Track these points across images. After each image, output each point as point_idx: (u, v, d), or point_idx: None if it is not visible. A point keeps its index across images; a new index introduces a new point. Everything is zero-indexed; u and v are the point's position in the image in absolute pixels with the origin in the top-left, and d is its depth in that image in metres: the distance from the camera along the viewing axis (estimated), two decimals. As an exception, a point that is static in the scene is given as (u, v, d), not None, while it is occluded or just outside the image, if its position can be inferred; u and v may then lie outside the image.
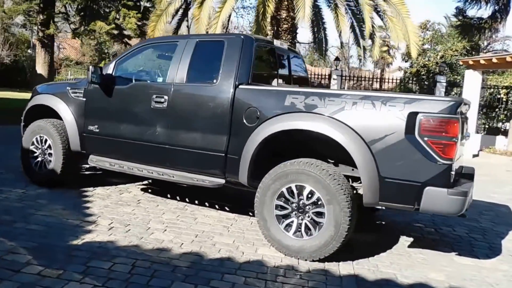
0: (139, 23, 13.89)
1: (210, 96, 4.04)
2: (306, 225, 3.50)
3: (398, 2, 11.57)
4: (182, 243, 3.65)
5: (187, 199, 5.04)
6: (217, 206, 4.85)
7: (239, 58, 3.97)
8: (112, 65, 4.79)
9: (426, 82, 20.20)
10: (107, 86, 4.66)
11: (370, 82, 20.65)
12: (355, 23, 13.70)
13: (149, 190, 5.39)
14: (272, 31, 12.88)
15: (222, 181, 4.02)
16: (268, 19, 10.98)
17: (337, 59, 18.66)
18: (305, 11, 10.22)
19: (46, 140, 5.05)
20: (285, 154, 3.73)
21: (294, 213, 3.55)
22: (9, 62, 24.55)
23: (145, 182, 5.72)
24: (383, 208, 4.26)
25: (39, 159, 5.11)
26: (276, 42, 4.67)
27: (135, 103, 4.48)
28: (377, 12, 12.43)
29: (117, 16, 13.81)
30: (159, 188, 5.49)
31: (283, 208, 3.58)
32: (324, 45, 16.42)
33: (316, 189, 3.41)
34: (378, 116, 3.28)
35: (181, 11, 13.51)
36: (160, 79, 4.56)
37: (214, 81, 4.05)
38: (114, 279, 2.86)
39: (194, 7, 11.87)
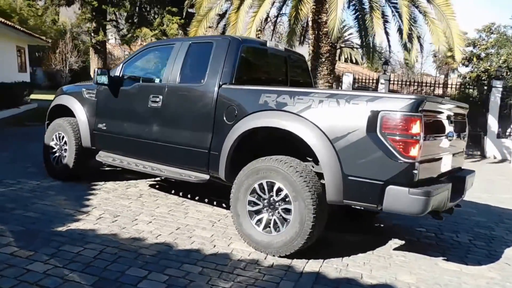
0: (182, 29, 14.45)
1: (198, 96, 4.18)
2: (275, 221, 3.52)
3: (443, 3, 11.02)
4: (160, 235, 3.80)
5: (189, 195, 5.20)
6: (215, 203, 4.96)
7: (224, 59, 4.08)
8: (119, 67, 5.10)
9: (486, 87, 19.02)
10: (113, 87, 4.96)
11: (432, 87, 19.69)
12: (402, 26, 13.29)
13: (156, 186, 5.63)
14: (314, 35, 12.82)
15: (207, 176, 4.14)
16: (302, 23, 10.95)
17: (386, 63, 18.06)
18: (337, 14, 10.08)
19: (63, 137, 5.46)
20: (267, 152, 3.75)
21: (265, 209, 3.58)
22: (77, 68, 26.30)
23: (157, 178, 5.97)
24: (381, 210, 4.19)
25: (57, 154, 5.53)
26: (270, 44, 4.71)
27: (136, 102, 4.74)
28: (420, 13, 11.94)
29: (162, 22, 14.47)
30: (166, 184, 5.73)
31: (255, 204, 3.62)
32: (371, 49, 16.07)
33: (284, 186, 3.42)
34: (342, 114, 3.24)
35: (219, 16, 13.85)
36: (157, 80, 4.77)
37: (202, 81, 4.19)
38: (76, 262, 3.07)
39: (230, 12, 12.11)
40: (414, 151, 2.97)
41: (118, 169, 6.36)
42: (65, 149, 5.44)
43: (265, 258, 3.46)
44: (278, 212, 3.50)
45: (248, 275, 3.09)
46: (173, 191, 5.36)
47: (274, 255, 3.49)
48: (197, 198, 5.11)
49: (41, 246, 3.28)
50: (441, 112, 3.51)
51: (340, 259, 3.58)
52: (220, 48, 4.17)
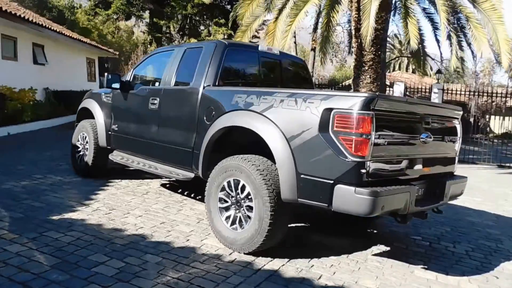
0: (228, 38, 14.92)
1: (185, 97, 4.40)
2: (240, 218, 3.60)
3: (489, 8, 10.37)
4: (142, 227, 4.02)
5: (192, 195, 5.42)
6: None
7: (210, 62, 4.26)
8: (130, 72, 5.49)
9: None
10: (124, 90, 5.35)
11: (503, 97, 18.25)
12: (451, 33, 12.73)
13: (167, 185, 5.92)
14: (356, 43, 12.64)
15: (192, 174, 4.32)
16: (333, 30, 10.86)
17: (439, 71, 17.21)
18: (369, 22, 9.89)
19: (85, 137, 5.95)
20: (247, 151, 3.80)
21: (233, 206, 3.66)
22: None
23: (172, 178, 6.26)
24: (380, 216, 4.09)
25: (81, 153, 6.03)
26: (262, 48, 4.81)
27: (139, 105, 5.07)
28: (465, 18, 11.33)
29: (209, 33, 15.06)
30: (177, 184, 5.99)
31: (225, 201, 3.72)
32: (422, 57, 15.45)
33: (247, 184, 3.49)
34: (298, 112, 3.25)
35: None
36: (157, 84, 5.06)
37: (190, 83, 4.39)
38: (50, 246, 3.36)
39: (269, 22, 12.33)
40: (363, 150, 2.91)
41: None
42: (87, 148, 5.91)
43: (230, 254, 3.53)
44: (243, 209, 3.57)
45: (202, 268, 3.19)
46: (179, 190, 5.60)
47: (239, 252, 3.56)
48: (199, 197, 5.29)
49: (27, 231, 3.64)
50: (410, 113, 3.38)
51: (308, 260, 3.56)
52: (208, 51, 4.35)
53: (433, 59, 22.51)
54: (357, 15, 11.77)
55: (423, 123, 3.45)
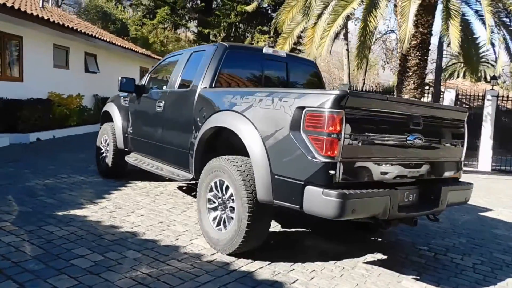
0: (269, 46, 15.01)
1: (184, 100, 4.49)
2: (224, 219, 3.60)
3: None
4: (139, 226, 4.14)
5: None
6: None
7: (209, 64, 4.33)
8: (146, 76, 5.71)
9: None
10: (138, 94, 5.57)
11: None
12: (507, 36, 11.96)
13: (184, 188, 6.05)
14: (401, 48, 12.25)
15: (190, 176, 4.38)
16: (370, 34, 10.56)
17: (494, 77, 16.06)
18: (408, 25, 9.52)
19: (107, 139, 6.26)
20: (239, 152, 3.76)
21: (219, 207, 3.68)
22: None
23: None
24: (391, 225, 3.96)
25: (103, 154, 6.34)
26: (267, 50, 4.79)
27: (149, 107, 5.25)
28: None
29: (252, 41, 15.25)
30: (194, 187, 6.10)
31: (213, 201, 3.74)
32: (475, 61, 14.58)
33: (230, 184, 3.50)
34: (273, 112, 3.20)
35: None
36: (165, 87, 5.21)
37: (190, 86, 4.49)
38: (42, 238, 3.56)
39: (308, 28, 12.24)
40: (332, 150, 2.80)
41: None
42: (108, 150, 6.21)
43: (212, 255, 3.54)
44: (228, 210, 3.57)
45: (177, 266, 3.23)
46: (193, 193, 5.70)
47: (222, 252, 3.56)
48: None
49: (28, 224, 3.88)
50: (394, 113, 3.20)
51: (291, 264, 3.48)
52: (208, 54, 4.43)
53: (493, 65, 21.15)
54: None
55: (411, 124, 3.25)
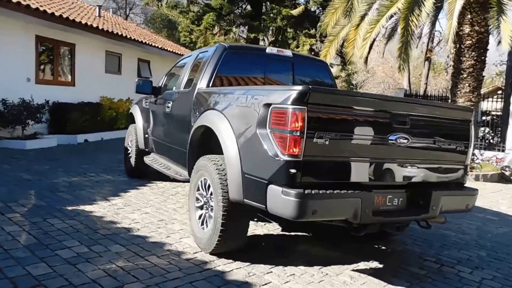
0: (313, 50, 14.84)
1: (185, 100, 4.60)
2: (206, 218, 3.63)
3: None
4: (138, 222, 4.29)
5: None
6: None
7: (207, 64, 4.41)
8: (163, 78, 5.92)
9: None
10: (155, 95, 5.78)
11: None
12: None
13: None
14: (455, 49, 11.61)
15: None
16: (411, 35, 10.08)
17: None
18: (452, 22, 8.98)
19: (132, 140, 6.55)
20: None
21: (205, 205, 3.71)
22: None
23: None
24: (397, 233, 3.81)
25: (129, 155, 6.65)
26: (271, 50, 4.76)
27: (161, 108, 5.43)
28: None
29: (298, 45, 15.16)
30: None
31: (199, 200, 3.79)
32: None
33: (211, 183, 3.53)
34: (245, 109, 3.18)
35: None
36: (174, 88, 5.35)
37: (191, 86, 4.59)
38: (40, 229, 3.80)
39: (350, 31, 11.95)
40: (294, 149, 2.71)
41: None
42: (132, 151, 6.49)
43: (194, 253, 3.57)
44: (210, 209, 3.59)
45: (153, 262, 3.30)
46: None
47: (204, 251, 3.58)
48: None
49: (35, 216, 4.17)
50: (371, 110, 3.01)
51: (271, 267, 3.42)
52: (209, 55, 4.51)
53: None
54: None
55: (394, 123, 3.05)
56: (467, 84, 10.97)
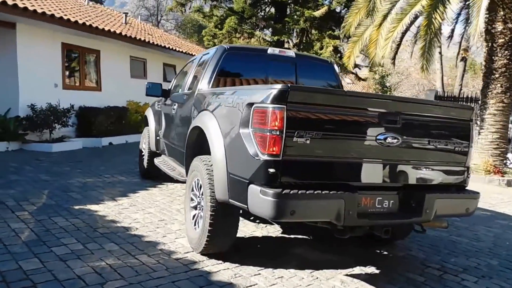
0: (336, 51, 14.65)
1: (187, 101, 4.67)
2: (197, 218, 3.66)
3: None
4: (138, 222, 4.38)
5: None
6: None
7: (207, 66, 4.47)
8: (173, 81, 6.04)
9: None
10: (165, 98, 5.90)
11: None
12: None
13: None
14: (487, 48, 11.22)
15: (189, 176, 4.53)
16: (433, 33, 9.76)
17: None
18: (478, 20, 8.64)
19: (145, 142, 6.71)
20: None
21: (198, 205, 3.75)
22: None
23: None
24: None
25: (143, 157, 6.80)
26: (273, 50, 4.76)
27: (168, 111, 5.54)
28: None
29: (322, 46, 15.02)
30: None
31: (193, 200, 3.83)
32: None
33: (201, 183, 3.56)
34: (231, 109, 3.19)
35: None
36: (180, 90, 5.43)
37: (192, 88, 4.66)
38: (43, 226, 3.96)
39: (372, 31, 11.74)
40: (273, 148, 2.69)
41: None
42: (145, 152, 6.65)
43: (185, 253, 3.61)
44: (201, 209, 3.62)
45: (142, 260, 3.36)
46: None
47: (195, 252, 3.61)
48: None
49: (41, 214, 4.34)
50: (356, 108, 2.94)
51: (260, 269, 3.40)
52: (210, 56, 4.57)
53: None
54: (487, 15, 10.39)
55: (383, 122, 2.97)
56: (499, 85, 10.55)
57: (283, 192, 2.63)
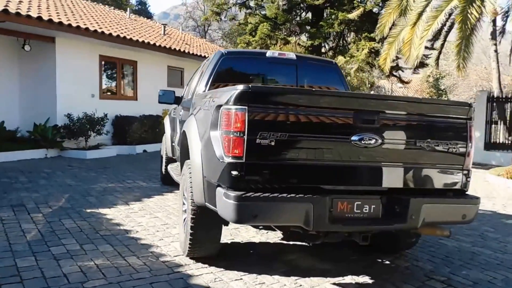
0: (373, 53, 14.24)
1: (188, 106, 4.79)
2: (185, 221, 3.74)
3: None
4: (141, 225, 4.55)
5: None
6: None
7: (205, 71, 4.59)
8: (185, 87, 6.21)
9: None
10: (178, 105, 6.08)
11: None
12: None
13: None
14: None
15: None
16: (470, 29, 9.27)
17: None
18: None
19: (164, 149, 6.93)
20: None
21: (187, 209, 3.83)
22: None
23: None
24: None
25: (162, 163, 7.03)
26: (273, 53, 4.77)
27: (177, 117, 5.70)
28: None
29: (358, 49, 14.70)
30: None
31: (184, 204, 3.91)
32: None
33: (185, 187, 3.65)
34: (206, 112, 3.24)
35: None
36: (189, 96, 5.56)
37: (193, 93, 4.78)
38: (50, 227, 4.22)
39: (406, 30, 11.37)
40: (236, 150, 2.69)
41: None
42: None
43: (174, 256, 3.70)
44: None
45: (130, 261, 3.49)
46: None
47: (184, 255, 3.69)
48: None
49: (53, 217, 4.62)
50: (324, 107, 2.86)
51: (243, 274, 3.41)
52: (209, 61, 4.68)
53: None
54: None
55: (359, 122, 2.87)
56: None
57: (244, 195, 2.63)
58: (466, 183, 3.19)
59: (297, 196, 2.71)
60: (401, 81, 19.50)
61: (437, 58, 16.56)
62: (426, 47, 16.39)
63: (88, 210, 5.00)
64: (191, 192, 3.39)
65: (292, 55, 4.88)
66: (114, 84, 11.80)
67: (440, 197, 3.14)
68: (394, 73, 17.45)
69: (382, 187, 3.03)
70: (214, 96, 3.19)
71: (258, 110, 2.70)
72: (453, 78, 33.39)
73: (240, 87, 2.74)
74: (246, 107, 2.67)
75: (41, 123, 9.22)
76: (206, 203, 3.17)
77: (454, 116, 3.14)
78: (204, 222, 3.39)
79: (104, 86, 11.40)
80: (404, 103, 3.15)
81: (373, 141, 2.86)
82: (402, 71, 19.49)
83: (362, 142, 2.84)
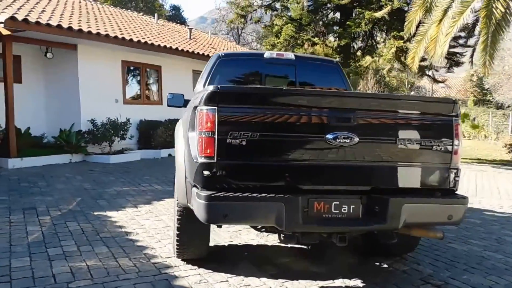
0: (400, 52, 13.82)
1: (188, 108, 4.82)
2: (179, 223, 3.76)
3: None
4: (143, 228, 4.62)
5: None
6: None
7: (203, 73, 4.62)
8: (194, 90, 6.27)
9: None
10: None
11: None
12: None
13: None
14: None
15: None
16: (494, 24, 8.81)
17: None
18: None
19: (179, 152, 7.02)
20: None
21: (182, 212, 3.85)
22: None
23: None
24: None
25: (177, 166, 7.12)
26: (270, 54, 4.73)
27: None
28: None
29: (385, 48, 14.37)
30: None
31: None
32: None
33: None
34: (187, 114, 3.29)
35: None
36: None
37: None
38: (53, 230, 4.36)
39: (432, 28, 10.97)
40: (207, 150, 2.69)
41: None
42: (178, 162, 6.95)
43: (166, 257, 3.73)
44: (180, 214, 3.71)
45: (121, 263, 3.55)
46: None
47: (176, 257, 3.71)
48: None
49: (60, 219, 4.78)
50: (296, 106, 2.81)
51: (230, 276, 3.39)
52: (207, 64, 4.71)
53: None
54: None
55: (333, 120, 2.79)
56: None
57: (214, 195, 2.63)
58: (455, 182, 3.04)
59: (268, 195, 2.68)
60: (435, 80, 18.84)
61: (471, 56, 15.89)
62: (460, 45, 15.84)
63: (96, 213, 5.13)
64: (177, 193, 3.41)
65: (291, 55, 4.82)
66: (138, 89, 12.09)
67: (424, 196, 2.99)
68: (427, 72, 16.92)
69: (361, 186, 2.93)
70: (193, 98, 3.22)
71: (228, 110, 2.70)
72: (497, 77, 31.95)
73: (210, 88, 2.74)
74: (216, 107, 2.68)
75: (66, 128, 9.58)
76: (188, 204, 3.18)
77: (436, 113, 3.01)
78: (190, 223, 3.38)
79: (127, 91, 11.69)
80: (382, 100, 3.06)
81: (349, 139, 2.78)
82: (436, 70, 18.82)
83: (337, 140, 2.77)
